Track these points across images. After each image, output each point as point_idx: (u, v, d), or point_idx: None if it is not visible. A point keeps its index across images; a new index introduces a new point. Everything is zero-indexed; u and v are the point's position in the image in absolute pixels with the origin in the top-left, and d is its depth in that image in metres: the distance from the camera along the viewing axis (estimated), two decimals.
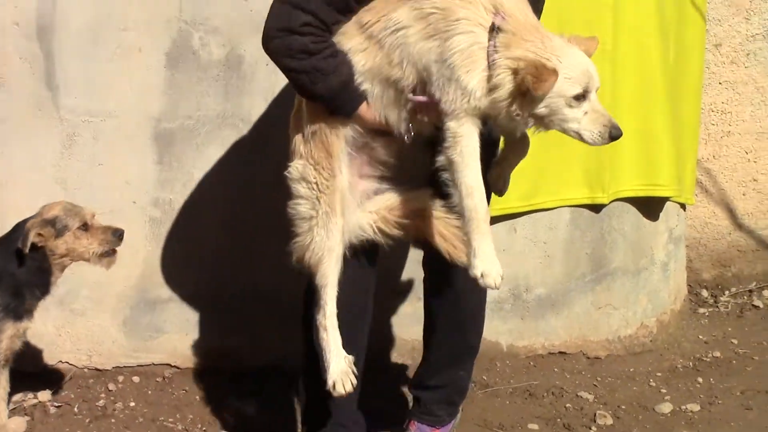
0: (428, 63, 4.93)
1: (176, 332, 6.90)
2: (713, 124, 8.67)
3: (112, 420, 6.52)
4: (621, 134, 4.91)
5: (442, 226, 5.37)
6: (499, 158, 5.45)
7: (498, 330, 7.25)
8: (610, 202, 7.38)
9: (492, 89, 4.83)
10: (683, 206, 8.03)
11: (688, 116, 7.83)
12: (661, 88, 7.38)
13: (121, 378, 6.81)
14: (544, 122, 4.90)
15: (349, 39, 5.14)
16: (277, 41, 5.07)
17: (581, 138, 4.89)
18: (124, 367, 6.86)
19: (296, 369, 6.77)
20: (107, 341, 6.86)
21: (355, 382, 5.24)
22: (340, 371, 5.25)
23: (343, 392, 5.21)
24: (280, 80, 6.80)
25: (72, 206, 5.84)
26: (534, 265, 7.25)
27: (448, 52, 4.86)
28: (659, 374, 7.29)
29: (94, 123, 6.73)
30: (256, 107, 6.86)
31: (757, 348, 7.64)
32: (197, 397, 6.76)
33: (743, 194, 8.80)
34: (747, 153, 8.75)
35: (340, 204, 5.28)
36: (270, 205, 6.84)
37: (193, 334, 6.92)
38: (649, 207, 7.65)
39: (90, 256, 5.84)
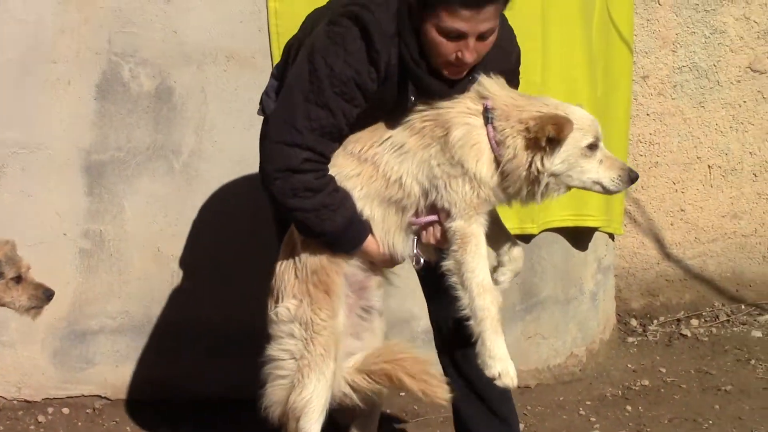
0: (430, 169, 4.93)
1: (106, 363, 6.81)
2: (641, 155, 8.69)
3: None
4: (638, 175, 5.00)
5: (409, 365, 5.18)
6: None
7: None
8: (540, 233, 7.37)
9: (506, 163, 4.85)
10: (612, 236, 8.03)
11: (616, 147, 7.82)
12: None
13: (50, 410, 6.72)
14: (563, 180, 4.90)
15: (339, 167, 5.04)
16: (279, 183, 4.92)
17: (603, 187, 4.92)
18: (54, 398, 6.76)
19: (226, 399, 6.76)
20: (36, 373, 6.76)
21: None
22: None
23: None
24: (211, 111, 6.80)
25: (12, 254, 5.71)
26: None
27: (450, 149, 4.88)
28: (589, 403, 7.28)
29: (23, 154, 6.65)
30: (187, 138, 6.81)
31: (684, 376, 7.66)
32: (128, 429, 6.70)
33: (671, 224, 8.83)
34: (674, 183, 8.78)
35: (335, 347, 5.11)
36: (199, 235, 6.82)
37: (124, 365, 6.83)
38: (578, 237, 7.65)
39: (16, 307, 5.71)
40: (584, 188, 4.96)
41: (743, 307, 8.75)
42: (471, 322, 4.97)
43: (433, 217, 5.02)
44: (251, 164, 6.69)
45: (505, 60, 5.21)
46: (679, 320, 8.55)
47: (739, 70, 8.72)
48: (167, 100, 6.74)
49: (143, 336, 6.82)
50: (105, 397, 6.81)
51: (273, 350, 5.19)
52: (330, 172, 4.99)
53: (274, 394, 5.18)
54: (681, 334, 8.32)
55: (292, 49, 5.26)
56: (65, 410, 6.73)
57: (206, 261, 6.83)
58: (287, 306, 5.15)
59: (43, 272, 6.00)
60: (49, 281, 5.96)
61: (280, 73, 5.36)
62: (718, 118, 8.76)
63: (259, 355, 5.46)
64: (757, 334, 8.35)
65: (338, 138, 5.01)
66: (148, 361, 6.85)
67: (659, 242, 8.80)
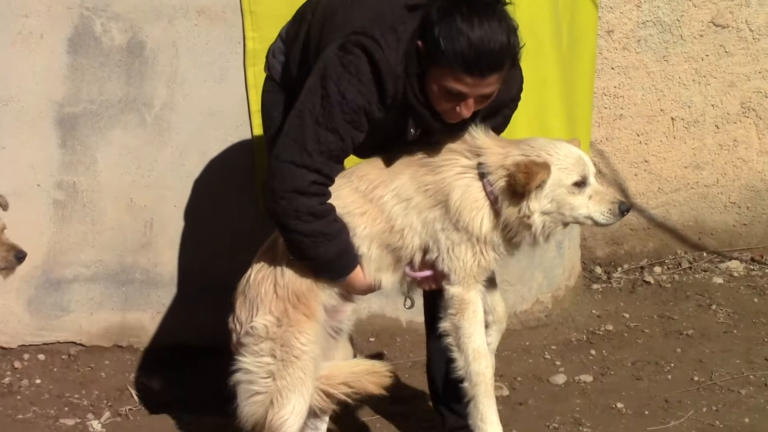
0: (435, 232, 5.07)
1: (81, 311, 6.84)
2: (606, 108, 8.73)
3: (18, 397, 6.48)
4: (630, 207, 5.21)
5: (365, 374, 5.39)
6: None
7: (398, 306, 7.24)
8: None
9: (503, 213, 4.99)
10: None
11: (581, 100, 7.87)
12: (554, 74, 7.40)
13: (26, 356, 6.74)
14: (555, 218, 5.01)
15: (345, 202, 5.13)
16: (283, 203, 4.97)
17: (594, 221, 5.05)
18: (30, 345, 6.79)
19: (200, 345, 6.79)
20: (12, 320, 6.79)
21: None
22: None
23: None
24: (182, 65, 6.80)
25: None
26: None
27: (452, 213, 5.02)
28: (554, 347, 7.35)
29: None
30: (158, 91, 6.82)
31: (647, 321, 7.72)
32: (102, 374, 6.72)
33: (635, 175, 8.87)
34: (638, 135, 8.82)
35: (313, 371, 5.20)
36: (171, 186, 6.83)
37: (98, 312, 6.86)
38: None
39: None
40: (578, 223, 5.12)
41: (705, 254, 8.80)
42: (466, 384, 5.18)
43: (429, 273, 5.18)
44: (222, 117, 6.77)
45: (504, 93, 5.27)
46: (642, 268, 8.60)
47: (701, 24, 8.75)
48: (139, 54, 6.75)
49: (117, 284, 6.85)
50: (80, 344, 6.83)
51: (250, 365, 5.24)
52: (336, 206, 5.08)
53: (250, 409, 5.25)
54: (644, 281, 8.38)
55: (304, 18, 5.33)
56: (41, 356, 6.75)
57: (179, 212, 6.84)
58: (264, 323, 5.19)
59: (17, 223, 6.05)
60: (24, 231, 6.05)
61: (288, 35, 5.45)
62: (681, 71, 8.80)
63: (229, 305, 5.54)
64: (718, 280, 8.40)
65: (343, 160, 5.11)
66: (122, 309, 6.88)
67: (623, 192, 8.84)
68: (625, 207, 5.02)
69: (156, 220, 6.82)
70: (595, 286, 8.27)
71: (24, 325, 6.77)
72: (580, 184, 4.97)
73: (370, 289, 5.30)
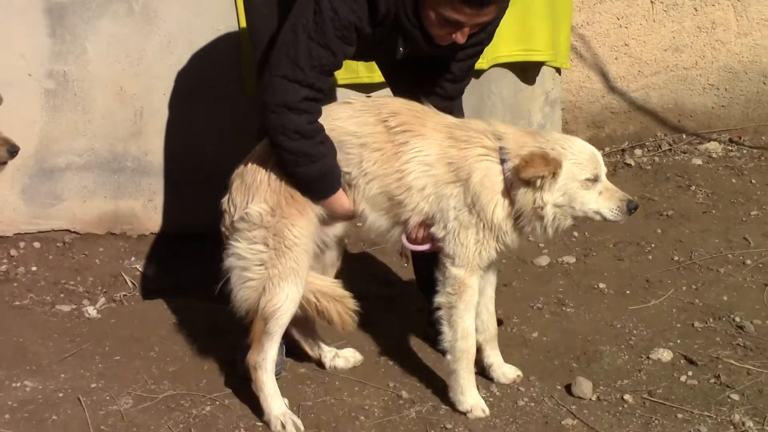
0: (446, 209, 5.14)
1: (74, 199, 6.84)
2: None
3: (15, 284, 6.49)
4: (637, 206, 5.26)
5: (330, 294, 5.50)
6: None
7: None
8: (489, 68, 7.39)
9: (517, 202, 5.08)
10: (559, 71, 8.06)
11: None
12: None
13: (22, 244, 6.75)
14: (566, 211, 5.11)
15: (366, 129, 5.19)
16: (273, 117, 5.00)
17: (603, 216, 5.17)
18: (25, 233, 6.79)
19: (191, 231, 6.81)
20: (7, 209, 6.79)
21: (298, 423, 5.26)
22: (283, 413, 5.28)
23: (294, 431, 5.23)
24: None
25: None
26: None
27: (470, 193, 5.10)
28: None
29: None
30: None
31: None
32: (97, 261, 6.73)
33: (615, 58, 8.86)
34: (619, 19, 8.78)
35: (306, 263, 5.26)
36: (160, 75, 6.78)
37: (91, 200, 6.86)
38: (526, 72, 7.68)
39: None
40: (587, 218, 5.19)
41: (684, 136, 8.82)
42: (449, 357, 5.35)
43: (426, 248, 5.28)
44: (209, 5, 6.68)
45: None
46: (623, 150, 8.62)
47: None
48: None
49: (109, 172, 6.84)
50: (74, 231, 6.83)
51: (243, 251, 5.30)
52: (353, 130, 5.16)
53: (244, 294, 5.33)
54: (625, 163, 8.40)
55: None
56: (36, 244, 6.76)
57: (168, 101, 6.80)
58: (259, 210, 5.24)
59: (9, 113, 6.05)
60: (16, 121, 6.04)
61: None
62: None
63: (219, 192, 5.53)
64: (698, 161, 8.43)
65: (333, 73, 5.17)
66: (114, 197, 6.88)
67: (604, 76, 8.84)
68: (633, 205, 5.19)
69: (146, 108, 6.78)
70: None
71: (19, 213, 6.76)
72: (592, 180, 5.09)
73: (350, 216, 5.36)
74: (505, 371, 5.66)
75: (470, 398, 5.35)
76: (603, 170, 5.16)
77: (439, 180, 5.15)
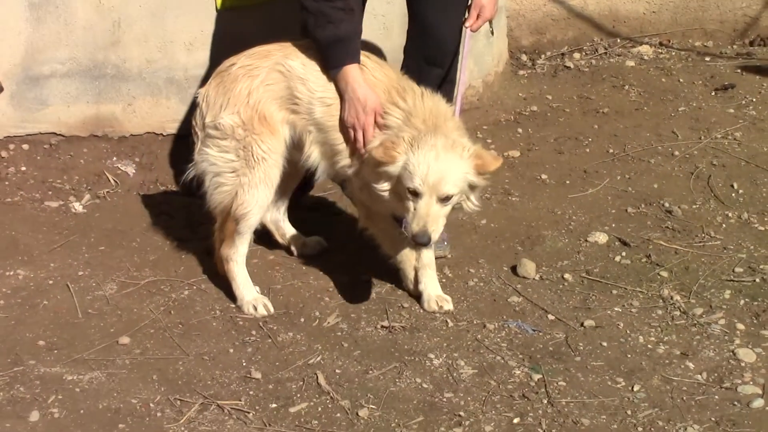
0: None
1: (59, 104, 6.69)
2: None
3: (6, 183, 6.43)
4: (426, 244, 4.98)
5: None
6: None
7: None
8: None
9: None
10: None
11: None
12: None
13: (12, 146, 6.64)
14: (378, 196, 5.08)
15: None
16: None
17: (405, 225, 5.08)
18: (14, 136, 6.67)
19: (166, 132, 6.76)
20: None
21: (268, 304, 5.29)
22: (254, 298, 5.29)
23: (265, 312, 5.24)
24: None
25: None
26: (374, 36, 7.13)
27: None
28: (485, 127, 7.35)
29: None
30: None
31: (567, 102, 7.73)
32: (81, 161, 6.66)
33: None
34: None
35: (275, 176, 5.23)
36: None
37: (75, 105, 6.71)
38: None
39: None
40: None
41: (618, 40, 8.76)
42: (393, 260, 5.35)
43: None
44: None
45: None
46: (563, 54, 8.55)
47: None
48: None
49: (91, 79, 6.69)
50: (60, 134, 6.72)
51: (215, 158, 5.28)
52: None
53: (217, 198, 5.33)
54: (565, 66, 8.35)
55: None
56: (25, 146, 6.66)
57: (144, 11, 6.67)
58: (231, 123, 5.20)
59: None
60: (2, 32, 5.94)
61: None
62: None
63: (196, 94, 5.47)
64: (631, 63, 8.39)
65: None
66: (96, 102, 6.74)
67: None
68: (420, 240, 4.85)
69: (123, 19, 6.63)
70: (521, 72, 8.24)
71: (8, 118, 6.62)
72: (413, 193, 4.86)
73: (365, 103, 5.12)
74: (429, 299, 5.37)
75: (433, 290, 5.35)
76: (433, 193, 4.83)
77: None
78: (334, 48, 5.12)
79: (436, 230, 4.86)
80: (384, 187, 4.98)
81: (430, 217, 4.83)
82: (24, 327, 5.08)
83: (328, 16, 5.04)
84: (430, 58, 5.64)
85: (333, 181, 5.94)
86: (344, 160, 5.21)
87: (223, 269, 5.39)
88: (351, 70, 5.12)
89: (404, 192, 4.90)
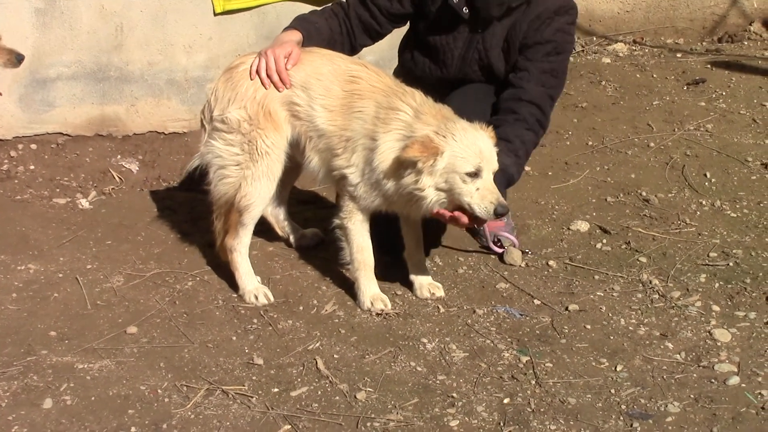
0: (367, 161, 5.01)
1: (65, 106, 6.66)
2: None
3: (16, 181, 6.38)
4: (506, 212, 4.90)
5: None
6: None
7: None
8: None
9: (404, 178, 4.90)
10: None
11: None
12: None
13: (20, 146, 6.60)
14: (443, 196, 4.84)
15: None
16: None
17: (472, 210, 4.82)
18: (23, 137, 6.63)
19: (168, 130, 6.72)
20: (6, 116, 6.58)
21: (269, 294, 5.24)
22: (255, 288, 5.25)
23: (265, 301, 5.20)
24: None
25: None
26: None
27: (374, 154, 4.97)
28: None
29: None
30: None
31: None
32: (87, 160, 6.62)
33: None
34: None
35: (278, 170, 5.18)
36: None
37: (80, 106, 6.68)
38: None
39: None
40: (461, 207, 4.87)
41: (595, 39, 8.76)
42: (350, 266, 5.24)
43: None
44: None
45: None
46: None
47: None
48: None
49: (95, 81, 6.65)
50: (66, 134, 6.69)
51: (221, 150, 5.22)
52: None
53: (222, 189, 5.27)
54: None
55: None
56: (33, 146, 6.62)
57: (145, 16, 6.64)
58: (238, 117, 5.14)
59: (4, 30, 5.91)
60: (10, 38, 5.89)
61: None
62: None
63: (197, 95, 5.43)
64: (607, 60, 8.38)
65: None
66: (100, 103, 6.71)
67: None
68: (501, 210, 4.82)
69: (125, 24, 6.60)
70: None
71: (17, 119, 6.58)
72: (473, 174, 4.79)
73: (282, 39, 5.28)
74: (422, 287, 5.33)
75: (370, 297, 5.16)
76: (490, 167, 4.82)
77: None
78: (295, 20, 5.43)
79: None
80: (427, 183, 4.83)
81: (495, 189, 4.85)
82: (36, 319, 5.04)
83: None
84: None
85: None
86: (335, 162, 5.14)
87: (227, 258, 5.35)
88: (290, 37, 5.31)
89: (456, 181, 4.79)
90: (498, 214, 4.83)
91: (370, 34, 5.58)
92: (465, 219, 4.89)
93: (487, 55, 5.42)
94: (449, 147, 4.77)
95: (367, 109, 5.00)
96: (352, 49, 5.55)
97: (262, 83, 5.12)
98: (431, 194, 4.85)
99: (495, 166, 4.86)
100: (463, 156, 4.77)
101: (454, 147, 4.77)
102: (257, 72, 5.12)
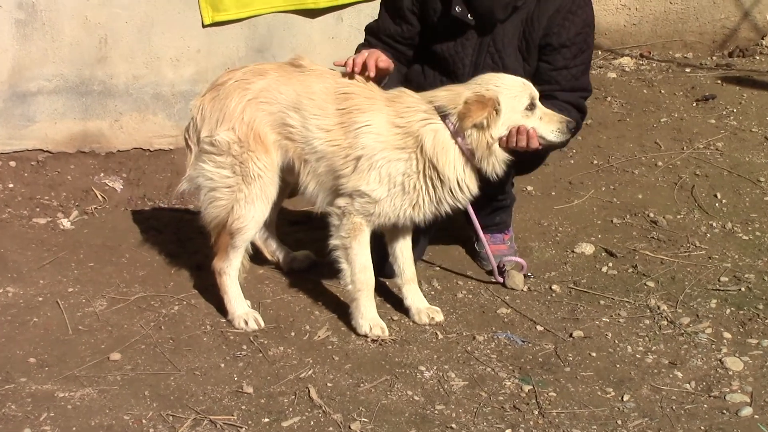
0: (394, 173, 5.00)
1: (46, 121, 6.68)
2: None
3: None
4: (575, 124, 5.13)
5: None
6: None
7: None
8: None
9: (474, 150, 4.98)
10: None
11: None
12: None
13: None
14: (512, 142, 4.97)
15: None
16: None
17: (546, 140, 5.02)
18: (2, 153, 6.65)
19: (153, 147, 6.73)
20: None
21: (259, 319, 5.25)
22: (245, 313, 5.25)
23: (255, 327, 5.21)
24: None
25: None
26: None
27: (426, 157, 4.99)
28: None
29: None
30: None
31: None
32: (69, 177, 6.63)
33: None
34: None
35: (271, 193, 5.19)
36: (121, 4, 6.64)
37: (61, 121, 6.71)
38: None
39: None
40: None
41: (600, 52, 8.79)
42: (350, 287, 5.20)
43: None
44: None
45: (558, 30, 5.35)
46: None
47: None
48: None
49: (77, 96, 6.68)
50: (47, 151, 6.70)
51: (212, 173, 5.21)
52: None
53: (213, 212, 5.26)
54: None
55: None
56: (12, 163, 6.63)
57: (130, 28, 6.66)
58: (227, 139, 5.13)
59: None
60: None
61: None
62: None
63: (184, 110, 5.42)
64: (612, 75, 8.41)
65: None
66: (83, 118, 6.73)
67: None
68: (572, 125, 5.07)
69: (110, 35, 6.63)
70: None
71: None
72: (530, 107, 4.99)
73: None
74: (420, 312, 5.34)
75: (369, 321, 5.16)
76: (537, 95, 5.04)
77: (387, 148, 5.01)
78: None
79: None
80: (495, 135, 4.94)
81: (554, 112, 5.10)
82: (14, 344, 5.03)
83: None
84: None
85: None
86: (349, 183, 5.12)
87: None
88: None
89: (518, 120, 4.94)
90: (571, 129, 5.10)
91: (401, 62, 5.59)
92: (535, 140, 5.03)
93: (501, 57, 5.42)
94: (500, 93, 4.96)
95: (375, 121, 5.03)
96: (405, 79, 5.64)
97: (352, 66, 5.18)
98: (501, 149, 5.01)
99: (537, 96, 5.09)
100: (515, 94, 4.98)
101: (503, 90, 4.98)
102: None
